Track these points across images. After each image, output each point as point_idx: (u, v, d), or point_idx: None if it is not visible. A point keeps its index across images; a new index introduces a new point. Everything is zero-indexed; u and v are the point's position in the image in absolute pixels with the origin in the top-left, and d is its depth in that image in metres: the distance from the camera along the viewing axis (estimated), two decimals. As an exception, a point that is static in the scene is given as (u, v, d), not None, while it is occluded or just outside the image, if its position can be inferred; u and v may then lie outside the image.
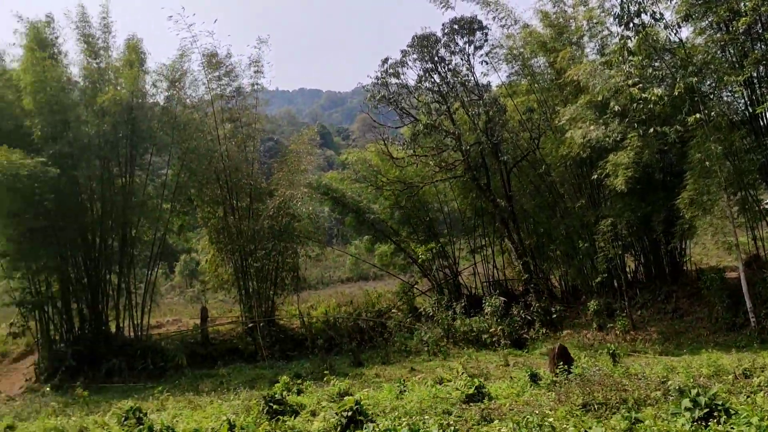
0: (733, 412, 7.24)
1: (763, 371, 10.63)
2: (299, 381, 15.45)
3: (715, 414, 7.10)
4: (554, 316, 22.02)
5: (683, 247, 22.47)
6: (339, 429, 9.20)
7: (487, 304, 22.02)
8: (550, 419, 8.49)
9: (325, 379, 15.67)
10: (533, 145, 23.01)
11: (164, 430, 9.65)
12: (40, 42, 21.63)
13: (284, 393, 11.17)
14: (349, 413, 9.22)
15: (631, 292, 21.23)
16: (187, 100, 24.28)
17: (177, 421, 10.96)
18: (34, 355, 23.29)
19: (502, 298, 22.07)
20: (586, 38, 22.22)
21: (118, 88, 22.13)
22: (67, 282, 22.53)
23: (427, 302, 25.10)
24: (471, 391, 10.80)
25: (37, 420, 14.04)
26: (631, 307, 20.85)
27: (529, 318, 21.93)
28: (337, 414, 9.41)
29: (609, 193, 20.71)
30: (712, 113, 17.50)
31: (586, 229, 22.09)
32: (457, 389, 11.21)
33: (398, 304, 25.91)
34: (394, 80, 23.78)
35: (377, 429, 8.59)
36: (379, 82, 23.79)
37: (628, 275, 22.32)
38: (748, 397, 8.55)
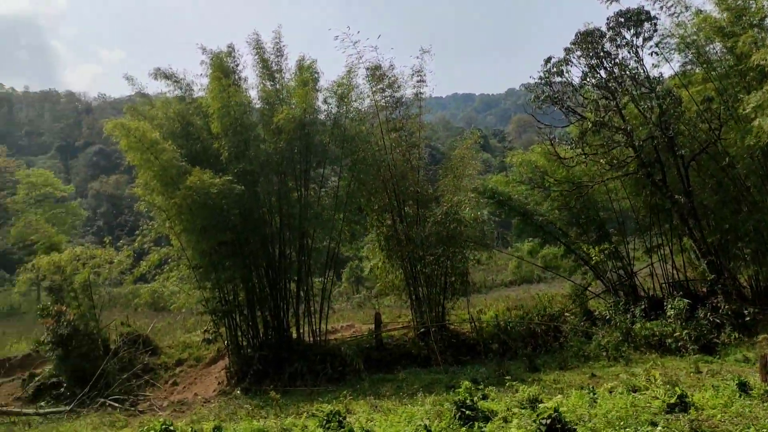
0: None
1: None
2: (479, 386, 15.48)
3: None
4: (747, 319, 20.19)
5: None
6: (538, 437, 9.10)
7: (669, 306, 20.67)
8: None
9: (506, 384, 15.55)
10: (713, 137, 21.31)
11: (365, 433, 10.10)
12: (224, 70, 23.65)
13: (475, 399, 11.22)
14: (548, 421, 9.09)
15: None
16: (354, 114, 25.27)
17: (372, 424, 11.42)
18: (224, 359, 25.26)
19: (686, 300, 20.60)
20: (768, 19, 20.27)
21: (292, 107, 23.57)
22: (252, 291, 24.23)
23: (601, 305, 24.12)
24: (673, 400, 10.21)
25: (241, 421, 15.22)
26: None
27: (718, 321, 20.25)
28: (534, 422, 9.32)
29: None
30: None
31: (781, 224, 20.06)
32: (656, 398, 10.64)
33: (571, 307, 25.11)
34: (557, 79, 23.18)
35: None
36: (543, 81, 23.29)
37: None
38: None
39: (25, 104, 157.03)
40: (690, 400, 10.40)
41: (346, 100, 24.85)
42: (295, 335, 24.59)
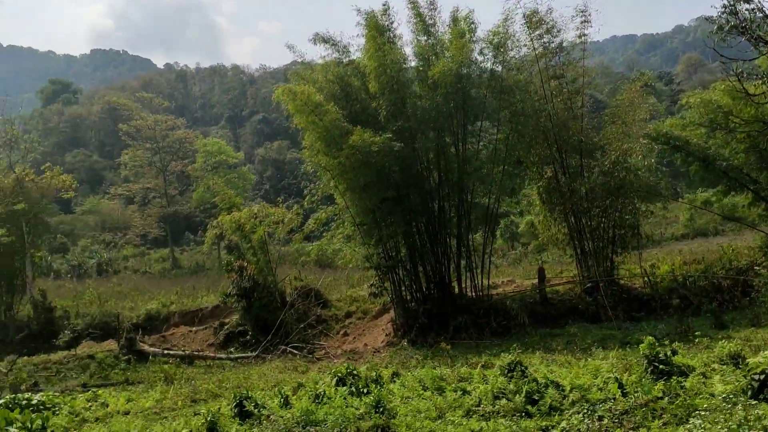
0: None
1: None
2: (664, 342, 14.49)
3: None
4: None
5: None
6: (750, 393, 8.23)
7: None
8: None
9: (695, 341, 14.41)
10: None
11: (550, 384, 9.77)
12: (378, 29, 23.66)
13: (667, 353, 10.44)
14: (762, 377, 8.18)
15: None
16: (512, 63, 24.34)
17: (555, 375, 11.05)
18: (389, 313, 25.99)
19: None
20: None
21: (448, 60, 23.11)
22: (413, 246, 24.54)
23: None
24: None
25: (417, 369, 15.53)
26: None
27: None
28: (745, 377, 8.44)
29: None
30: None
31: None
32: None
33: (761, 260, 22.71)
34: (745, 6, 20.52)
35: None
36: (727, 10, 20.76)
37: None
38: None
39: (197, 79, 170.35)
40: None
41: (502, 49, 23.92)
42: (456, 290, 24.66)
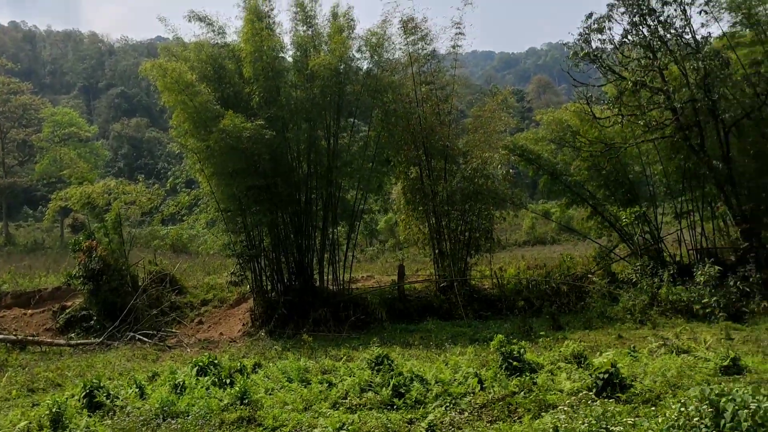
0: None
1: None
2: (514, 341, 15.63)
3: None
4: (777, 288, 20.20)
5: None
6: (594, 390, 9.17)
7: (699, 273, 20.65)
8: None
9: (540, 341, 15.69)
10: (759, 102, 20.92)
11: (414, 378, 10.21)
12: (258, 14, 23.18)
13: (521, 351, 11.30)
14: (606, 375, 9.14)
15: None
16: (387, 64, 24.88)
17: (418, 370, 11.54)
18: (247, 302, 25.56)
19: (717, 267, 20.57)
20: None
21: (327, 54, 23.18)
22: (277, 236, 24.36)
23: (626, 268, 24.12)
24: (726, 362, 10.25)
25: (279, 360, 15.46)
26: None
27: (748, 290, 20.23)
28: (591, 375, 9.38)
29: None
30: None
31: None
32: (708, 360, 10.68)
33: (594, 269, 25.14)
34: (597, 36, 22.66)
35: (640, 393, 8.43)
36: (582, 38, 22.78)
37: None
38: None
39: (48, 43, 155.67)
40: (742, 363, 10.44)
41: (379, 50, 24.39)
42: (318, 282, 24.79)
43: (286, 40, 24.52)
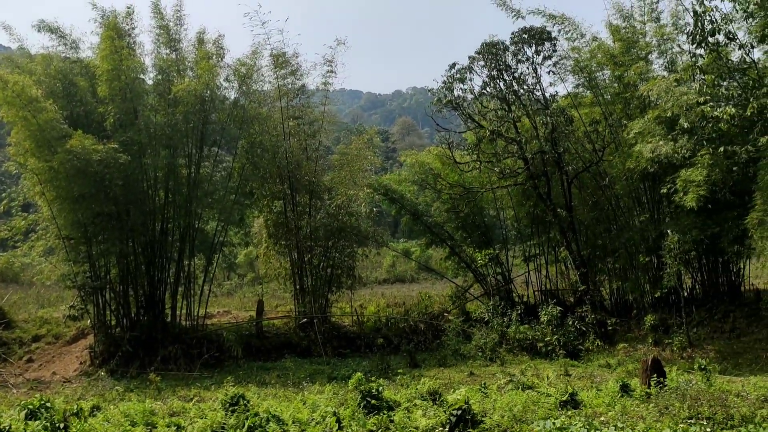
0: None
1: None
2: (371, 378, 15.64)
3: None
4: (609, 329, 22.02)
5: (742, 266, 22.37)
6: (448, 428, 9.34)
7: (543, 312, 22.05)
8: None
9: (398, 378, 15.83)
10: (596, 157, 23.03)
11: (271, 419, 9.85)
12: (118, 31, 22.08)
13: (379, 389, 11.31)
14: (459, 412, 9.36)
15: (687, 309, 21.10)
16: (255, 96, 24.62)
17: (275, 410, 11.15)
18: (86, 339, 23.70)
19: (559, 308, 22.08)
20: (655, 54, 22.30)
21: (192, 79, 22.50)
22: (126, 268, 22.83)
23: (479, 308, 25.20)
24: (565, 398, 10.89)
25: (121, 402, 14.32)
26: (688, 324, 20.74)
27: (584, 329, 21.87)
28: (445, 412, 9.55)
29: (673, 209, 20.69)
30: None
31: (645, 244, 22.06)
32: (549, 395, 11.29)
33: (450, 307, 26.03)
34: (459, 85, 24.00)
35: (489, 428, 8.71)
36: (445, 86, 23.99)
37: (685, 292, 22.20)
38: None
39: None
40: (579, 398, 11.14)
41: (248, 80, 24.14)
42: (170, 317, 23.48)
43: (147, 61, 23.63)
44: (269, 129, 24.55)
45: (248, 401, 11.22)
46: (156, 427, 10.98)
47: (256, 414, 9.97)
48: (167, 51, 23.58)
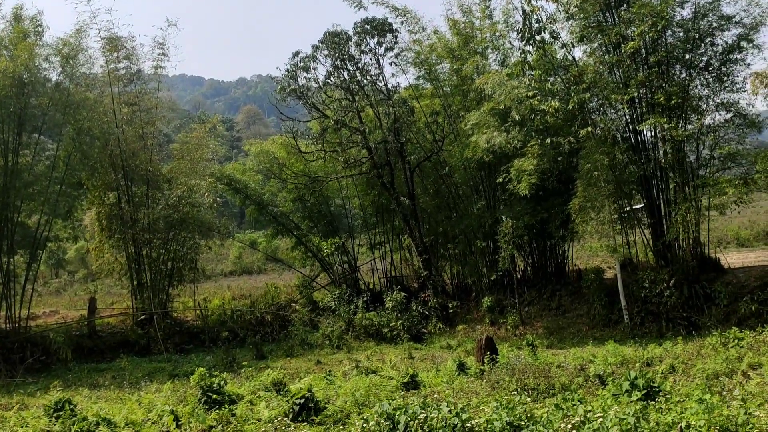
0: (665, 393, 8.24)
1: (661, 361, 12.01)
2: (214, 373, 15.17)
3: (654, 394, 8.06)
4: (450, 311, 23.10)
5: (566, 249, 24.43)
6: (291, 416, 9.29)
7: (388, 299, 22.65)
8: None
9: (243, 371, 15.51)
10: (437, 147, 23.98)
11: (101, 422, 9.22)
12: None
13: (221, 383, 10.98)
14: (302, 401, 9.34)
15: (519, 290, 22.69)
16: (81, 79, 22.75)
17: (106, 412, 10.44)
18: None
19: (403, 294, 22.78)
20: (489, 49, 23.57)
21: (8, 60, 20.30)
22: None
23: (326, 296, 25.35)
24: (406, 379, 11.27)
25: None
26: (520, 304, 22.32)
27: (426, 313, 22.79)
28: (288, 401, 9.49)
29: (507, 197, 22.11)
30: (599, 128, 19.27)
31: (482, 230, 23.38)
32: (392, 378, 11.62)
33: (298, 297, 25.92)
34: (303, 74, 23.85)
35: (332, 414, 8.78)
36: (289, 74, 23.72)
37: (517, 274, 23.85)
38: (665, 380, 9.69)
39: None
40: (419, 379, 11.58)
41: (72, 62, 22.24)
42: (-15, 321, 21.25)
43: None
44: (99, 115, 22.83)
45: (75, 405, 10.42)
46: (-34, 443, 9.88)
47: (84, 419, 9.27)
48: (-25, 27, 21.12)
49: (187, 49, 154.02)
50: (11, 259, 22.16)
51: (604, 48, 20.20)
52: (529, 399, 9.05)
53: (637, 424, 6.52)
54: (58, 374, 18.79)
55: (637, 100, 19.90)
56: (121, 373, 18.29)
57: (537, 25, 19.41)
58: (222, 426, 9.14)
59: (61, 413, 9.79)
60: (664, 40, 19.03)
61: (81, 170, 23.02)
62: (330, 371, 14.28)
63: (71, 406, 10.06)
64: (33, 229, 22.40)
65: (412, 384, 11.32)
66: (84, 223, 26.84)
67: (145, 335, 22.33)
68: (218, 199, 25.74)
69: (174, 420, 9.35)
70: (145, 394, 12.66)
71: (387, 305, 22.55)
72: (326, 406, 9.70)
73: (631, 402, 7.67)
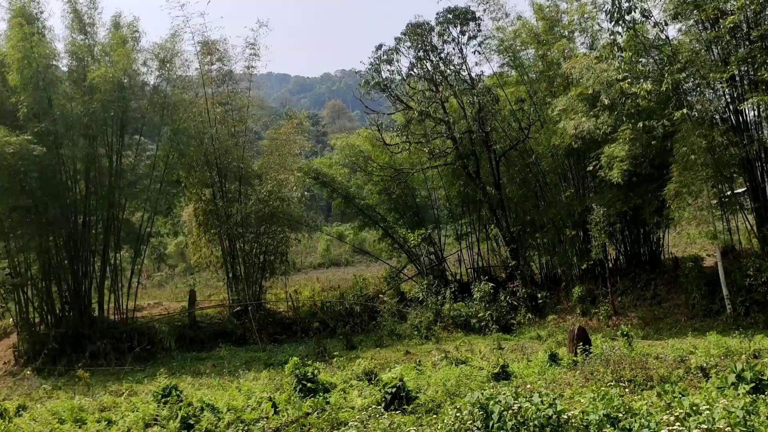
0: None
1: (770, 352, 11.36)
2: (307, 363, 15.62)
3: (763, 388, 7.64)
4: (539, 302, 22.70)
5: (661, 236, 23.45)
6: (383, 405, 9.45)
7: (476, 289, 22.52)
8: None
9: (334, 361, 15.89)
10: (523, 135, 23.55)
11: (205, 408, 9.72)
12: (27, 17, 20.99)
13: (314, 372, 11.32)
14: (393, 390, 9.48)
15: (612, 279, 21.99)
16: (177, 81, 23.90)
17: (210, 398, 11.00)
18: (9, 338, 22.73)
19: (491, 284, 22.59)
20: (577, 32, 22.90)
21: (109, 65, 21.61)
22: (48, 263, 21.97)
23: (414, 288, 25.51)
24: (497, 370, 11.20)
25: (48, 401, 13.81)
26: (613, 294, 21.63)
27: (515, 304, 22.51)
28: (380, 391, 9.66)
29: (598, 184, 21.45)
30: (696, 109, 18.31)
31: (571, 218, 22.81)
32: (482, 369, 11.58)
33: (385, 289, 26.22)
34: (387, 67, 24.01)
35: (424, 403, 8.87)
36: (373, 68, 23.95)
37: (609, 263, 23.11)
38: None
39: None
40: (510, 370, 11.48)
41: (168, 65, 23.40)
42: (97, 312, 22.75)
43: (60, 47, 22.54)
44: (194, 116, 23.92)
45: (181, 392, 11.04)
46: (85, 423, 10.67)
47: (190, 404, 9.82)
48: (81, 36, 22.57)
49: (274, 47, 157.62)
50: (118, 255, 23.65)
51: (700, 25, 19.16)
52: (626, 390, 8.80)
53: (747, 418, 6.20)
54: (163, 362, 19.89)
55: (737, 78, 18.80)
56: (220, 361, 19.17)
57: (627, 4, 18.64)
58: (317, 413, 9.42)
59: (168, 399, 10.40)
60: (766, 13, 17.84)
61: (179, 169, 24.22)
62: (419, 361, 14.39)
63: (178, 392, 10.66)
64: (137, 225, 23.76)
65: (503, 375, 11.25)
66: (182, 218, 28.17)
67: (241, 326, 23.23)
68: (306, 193, 26.37)
69: (272, 406, 9.73)
70: (243, 382, 13.23)
71: (475, 296, 22.44)
72: (417, 395, 9.80)
73: (738, 395, 7.30)
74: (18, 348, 21.20)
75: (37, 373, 19.44)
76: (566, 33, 22.48)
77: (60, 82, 22.08)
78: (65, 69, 22.76)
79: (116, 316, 23.00)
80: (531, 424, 6.61)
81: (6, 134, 18.87)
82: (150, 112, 22.85)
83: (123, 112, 22.06)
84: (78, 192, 22.50)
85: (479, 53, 23.97)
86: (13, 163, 19.22)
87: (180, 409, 9.74)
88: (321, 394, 10.65)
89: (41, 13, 22.02)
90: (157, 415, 9.95)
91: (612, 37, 19.37)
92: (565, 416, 6.68)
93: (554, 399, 7.06)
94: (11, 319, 22.17)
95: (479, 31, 23.50)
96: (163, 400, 10.57)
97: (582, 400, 7.91)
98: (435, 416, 8.74)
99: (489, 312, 21.75)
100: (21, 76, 20.47)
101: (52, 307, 22.11)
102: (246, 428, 9.22)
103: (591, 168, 19.78)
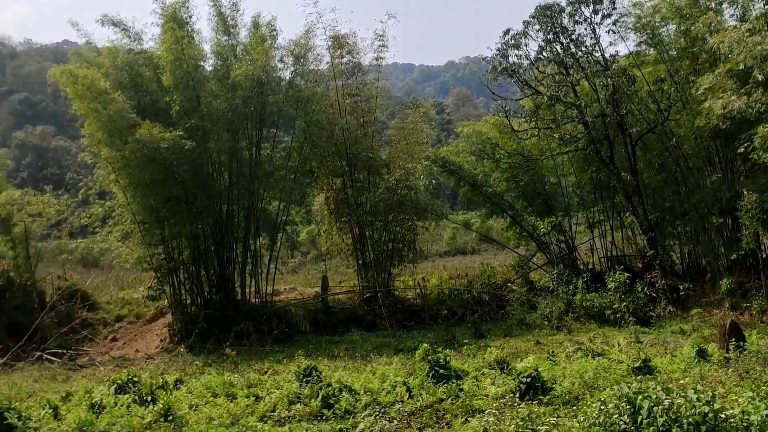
0: None
1: None
2: (439, 349, 15.81)
3: None
4: (681, 294, 21.46)
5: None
6: (518, 394, 9.41)
7: (610, 279, 21.65)
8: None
9: (464, 349, 15.97)
10: (662, 117, 22.22)
11: (344, 389, 10.15)
12: (177, 21, 22.63)
13: (446, 358, 11.47)
14: (528, 380, 9.42)
15: (766, 271, 20.29)
16: (310, 75, 24.86)
17: (347, 380, 11.48)
18: (165, 317, 24.70)
19: (626, 274, 21.63)
20: (725, 4, 21.23)
21: (249, 64, 22.89)
22: (197, 249, 23.65)
23: (544, 277, 24.98)
24: (637, 364, 10.78)
25: (202, 376, 14.99)
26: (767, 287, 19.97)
27: (654, 295, 21.40)
28: (515, 380, 9.63)
29: (749, 167, 19.86)
30: None
31: (718, 205, 21.31)
32: (621, 362, 11.19)
33: (514, 277, 25.89)
34: (514, 51, 23.53)
35: (560, 395, 8.73)
36: (500, 53, 23.57)
37: (763, 253, 21.34)
38: None
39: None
40: (652, 364, 11.00)
41: (302, 60, 24.39)
42: (240, 295, 24.27)
43: (206, 48, 24.13)
44: (325, 107, 24.80)
45: (320, 373, 11.59)
46: (236, 398, 11.51)
47: (329, 384, 10.30)
48: (225, 37, 24.04)
49: (398, 38, 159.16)
50: (257, 241, 25.08)
51: None
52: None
53: None
54: (300, 344, 20.83)
55: None
56: (352, 345, 19.83)
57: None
58: (451, 399, 9.57)
59: (309, 378, 10.97)
60: None
61: (311, 159, 25.22)
62: (552, 352, 14.11)
63: (317, 373, 11.22)
64: (273, 214, 25.02)
65: (645, 369, 10.81)
66: (315, 207, 29.29)
67: (371, 312, 23.86)
68: (432, 181, 26.53)
69: (407, 390, 9.99)
70: (377, 366, 13.63)
71: (609, 286, 21.57)
72: (553, 386, 9.67)
73: None
74: (173, 327, 23.03)
75: (189, 350, 21.01)
76: (713, 5, 20.88)
77: (206, 81, 23.61)
78: (210, 68, 24.36)
79: (257, 300, 24.39)
80: (684, 422, 6.31)
81: (161, 130, 20.50)
82: (285, 106, 23.94)
83: (261, 106, 23.28)
84: (222, 183, 24.04)
85: (614, 32, 22.88)
86: (167, 156, 20.90)
87: (320, 389, 10.25)
88: (453, 380, 10.78)
89: (190, 17, 23.66)
90: (299, 394, 10.53)
91: (767, 6, 17.85)
92: (723, 415, 6.33)
93: (712, 395, 6.69)
94: (166, 300, 24.12)
95: (614, 8, 22.41)
96: (304, 379, 11.17)
97: (739, 400, 7.44)
98: (573, 408, 8.58)
99: (625, 303, 20.83)
100: (173, 77, 22.14)
101: (201, 290, 23.83)
102: (382, 410, 9.55)
103: (742, 150, 18.34)
